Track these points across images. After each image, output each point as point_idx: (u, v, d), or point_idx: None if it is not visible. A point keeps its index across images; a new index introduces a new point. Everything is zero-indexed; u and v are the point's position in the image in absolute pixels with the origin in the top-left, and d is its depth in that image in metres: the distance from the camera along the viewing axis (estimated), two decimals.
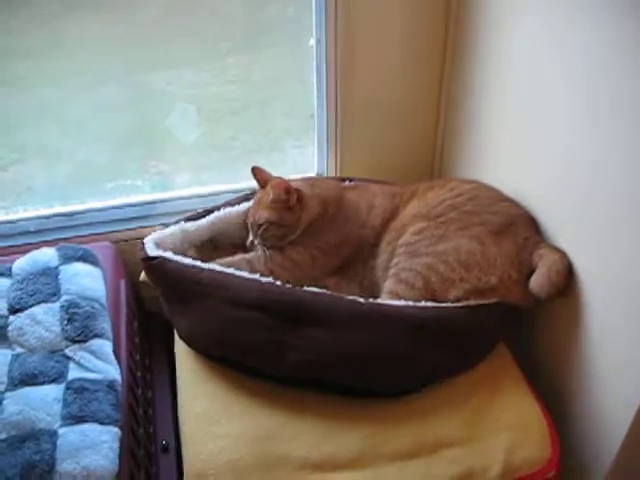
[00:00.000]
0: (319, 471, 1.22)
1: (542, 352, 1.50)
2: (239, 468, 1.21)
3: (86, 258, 1.57)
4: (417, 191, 1.54)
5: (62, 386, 1.29)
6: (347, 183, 1.67)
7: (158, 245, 1.44)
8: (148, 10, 1.99)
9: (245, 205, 1.61)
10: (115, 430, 1.23)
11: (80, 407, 1.24)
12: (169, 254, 1.40)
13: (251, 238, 1.51)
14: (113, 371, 1.35)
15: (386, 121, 1.83)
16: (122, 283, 1.65)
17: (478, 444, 1.26)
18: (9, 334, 1.39)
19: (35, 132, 1.92)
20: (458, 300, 1.34)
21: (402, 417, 1.29)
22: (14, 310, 1.43)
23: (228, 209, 1.62)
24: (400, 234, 1.45)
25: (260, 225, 1.47)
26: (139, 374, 1.57)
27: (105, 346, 1.39)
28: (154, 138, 2.06)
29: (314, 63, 1.75)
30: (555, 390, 1.43)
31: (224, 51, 2.11)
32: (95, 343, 1.38)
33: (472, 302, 1.33)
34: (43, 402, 1.25)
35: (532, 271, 1.34)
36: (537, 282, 1.32)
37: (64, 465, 1.15)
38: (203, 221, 1.57)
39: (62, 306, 1.43)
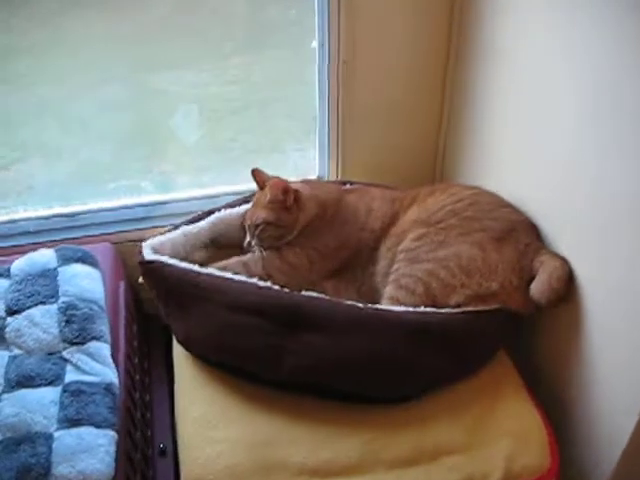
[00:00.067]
0: (317, 477, 1.21)
1: (542, 359, 1.49)
2: (237, 473, 1.20)
3: (85, 259, 1.56)
4: (417, 197, 1.53)
5: (59, 389, 1.28)
6: (347, 186, 1.66)
7: (156, 250, 1.44)
8: (153, 9, 2.00)
9: (245, 207, 1.60)
10: (112, 434, 1.22)
11: (77, 410, 1.24)
12: (166, 258, 1.40)
13: (248, 239, 1.50)
14: (110, 374, 1.34)
15: (388, 123, 1.83)
16: (121, 285, 1.65)
17: (478, 451, 1.25)
18: (7, 335, 1.38)
19: (36, 130, 1.93)
20: (459, 306, 1.33)
21: (401, 423, 1.28)
22: (12, 311, 1.42)
23: (229, 210, 1.61)
24: (400, 240, 1.44)
25: (257, 225, 1.47)
26: (137, 377, 1.56)
27: (103, 349, 1.38)
28: (156, 138, 2.06)
29: (316, 65, 1.74)
30: (555, 397, 1.42)
31: (227, 51, 2.11)
32: (93, 345, 1.37)
33: (472, 308, 1.32)
34: (40, 405, 1.24)
35: (533, 277, 1.33)
36: (537, 288, 1.31)
37: (60, 469, 1.14)
38: (203, 223, 1.57)
39: (60, 308, 1.42)
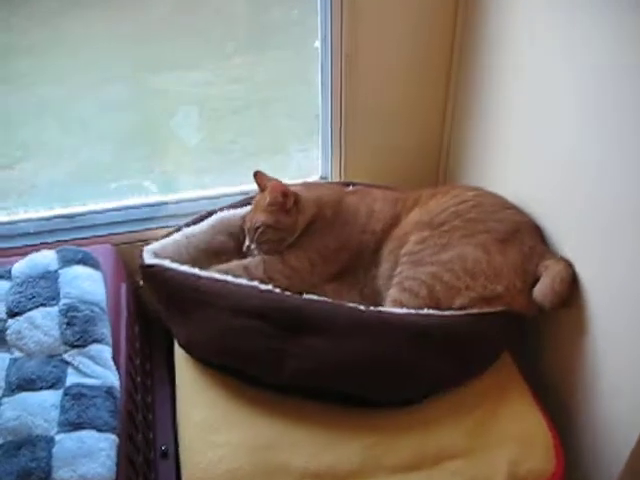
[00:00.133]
0: None
1: (547, 363, 1.48)
2: (238, 477, 1.20)
3: (86, 261, 1.55)
4: (420, 198, 1.52)
5: (60, 392, 1.27)
6: (349, 188, 1.65)
7: (157, 253, 1.43)
8: (154, 9, 1.99)
9: (247, 208, 1.59)
10: (113, 437, 1.22)
11: (78, 413, 1.23)
12: (166, 262, 1.39)
13: (247, 243, 1.50)
14: (112, 377, 1.33)
15: (391, 122, 1.81)
16: (123, 286, 1.64)
17: (481, 456, 1.24)
18: (7, 338, 1.38)
19: (37, 130, 1.92)
20: (463, 308, 1.33)
21: (404, 427, 1.27)
22: (13, 314, 1.41)
23: (231, 211, 1.61)
24: (402, 243, 1.43)
25: (257, 228, 1.46)
26: (139, 379, 1.55)
27: (104, 351, 1.37)
28: (157, 138, 2.06)
29: (319, 65, 1.73)
30: (560, 401, 1.41)
31: (229, 51, 2.10)
32: (94, 348, 1.36)
33: (475, 310, 1.32)
34: (40, 408, 1.23)
35: (536, 280, 1.32)
36: (540, 291, 1.30)
37: (60, 473, 1.13)
38: (205, 223, 1.56)
39: (61, 310, 1.41)
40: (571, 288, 1.30)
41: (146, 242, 1.55)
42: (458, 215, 1.41)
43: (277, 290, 1.34)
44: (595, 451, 1.33)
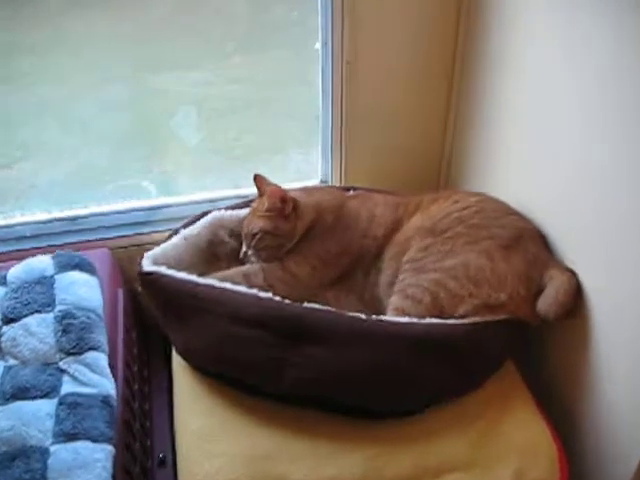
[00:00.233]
0: None
1: (551, 372, 1.46)
2: None
3: (83, 266, 1.53)
4: (421, 203, 1.50)
5: (55, 401, 1.25)
6: (350, 192, 1.63)
7: (157, 260, 1.41)
8: (154, 8, 1.98)
9: (245, 211, 1.58)
10: (109, 448, 1.19)
11: (73, 424, 1.21)
12: (164, 269, 1.37)
13: (244, 249, 1.48)
14: (108, 385, 1.31)
15: (392, 126, 1.79)
16: (120, 292, 1.62)
17: (484, 467, 1.22)
18: (2, 345, 1.36)
19: (36, 130, 1.92)
20: (466, 315, 1.30)
21: (405, 438, 1.25)
22: (8, 320, 1.39)
23: (229, 212, 1.60)
24: (404, 249, 1.41)
25: (255, 234, 1.44)
26: (136, 386, 1.54)
27: (100, 359, 1.35)
28: (157, 138, 2.05)
29: (319, 67, 1.71)
30: (564, 410, 1.39)
31: (229, 51, 2.09)
32: (90, 356, 1.34)
33: (477, 319, 1.29)
34: (35, 418, 1.21)
35: (541, 290, 1.31)
36: (545, 303, 1.29)
37: None
38: (202, 222, 1.55)
39: (57, 317, 1.39)
40: (575, 299, 1.28)
41: (144, 246, 1.53)
42: (461, 221, 1.39)
43: (277, 298, 1.31)
44: (599, 461, 1.31)
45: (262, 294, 1.31)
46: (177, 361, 1.44)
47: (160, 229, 1.75)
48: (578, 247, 1.31)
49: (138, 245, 1.72)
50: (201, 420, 1.29)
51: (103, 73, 1.90)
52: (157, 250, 1.45)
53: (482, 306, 1.31)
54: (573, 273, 1.30)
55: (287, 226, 1.44)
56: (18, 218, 1.77)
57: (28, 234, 1.75)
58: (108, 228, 1.80)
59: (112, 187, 1.94)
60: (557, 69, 1.33)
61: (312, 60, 1.73)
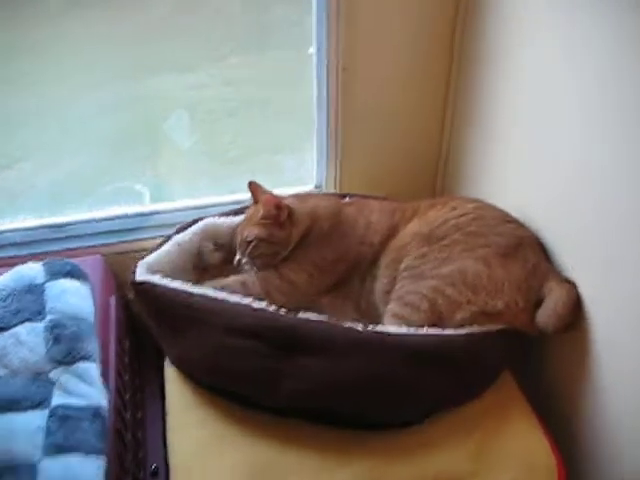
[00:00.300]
0: None
1: (550, 382, 1.44)
2: None
3: (74, 274, 1.50)
4: (419, 209, 1.49)
5: (45, 412, 1.22)
6: (346, 199, 1.61)
7: (152, 267, 1.39)
8: (154, 9, 1.96)
9: (238, 218, 1.56)
10: (100, 461, 1.17)
11: (64, 436, 1.18)
12: (157, 278, 1.35)
13: (238, 256, 1.46)
14: (99, 397, 1.28)
15: (388, 131, 1.78)
16: (112, 300, 1.59)
17: (483, 479, 1.21)
18: None
19: (33, 132, 1.90)
20: (464, 321, 1.29)
21: (403, 450, 1.23)
22: None
23: (222, 219, 1.58)
24: (400, 255, 1.40)
25: (249, 242, 1.43)
26: (128, 396, 1.51)
27: (92, 369, 1.32)
28: (153, 140, 2.02)
29: (314, 71, 1.69)
30: (563, 422, 1.38)
31: (225, 52, 2.07)
32: (81, 366, 1.32)
33: (475, 329, 1.28)
34: (25, 432, 1.18)
35: (540, 300, 1.29)
36: (543, 315, 1.28)
37: None
38: (194, 228, 1.54)
39: (47, 326, 1.36)
40: (575, 312, 1.27)
41: (136, 252, 1.51)
42: (458, 228, 1.37)
43: (271, 308, 1.30)
44: (598, 473, 1.29)
45: (256, 304, 1.30)
46: (170, 371, 1.42)
47: (153, 235, 1.72)
48: (577, 249, 1.30)
49: (130, 252, 1.69)
50: (194, 432, 1.28)
51: (100, 74, 1.88)
52: (151, 258, 1.43)
53: (479, 313, 1.29)
54: (573, 285, 1.29)
55: (282, 234, 1.43)
56: (7, 225, 1.74)
57: (18, 241, 1.72)
58: (100, 234, 1.77)
59: (105, 190, 1.91)
60: (557, 69, 1.32)
61: (309, 62, 1.71)
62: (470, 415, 1.29)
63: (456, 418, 1.28)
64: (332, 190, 1.84)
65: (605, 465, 1.28)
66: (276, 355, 1.24)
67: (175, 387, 1.38)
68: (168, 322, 1.35)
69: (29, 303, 1.41)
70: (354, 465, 1.20)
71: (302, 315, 1.30)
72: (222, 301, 1.30)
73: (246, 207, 1.56)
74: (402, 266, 1.37)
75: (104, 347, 1.42)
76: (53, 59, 1.94)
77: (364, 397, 1.24)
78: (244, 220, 1.50)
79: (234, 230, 1.52)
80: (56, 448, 1.16)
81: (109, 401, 1.30)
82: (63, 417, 1.21)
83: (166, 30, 1.98)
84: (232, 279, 1.41)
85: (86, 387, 1.29)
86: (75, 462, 1.15)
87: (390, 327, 1.30)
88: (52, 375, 1.29)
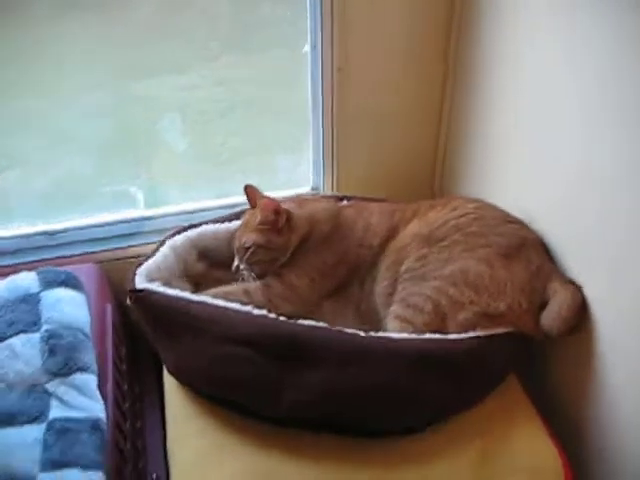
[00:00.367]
0: None
1: (556, 386, 1.43)
2: None
3: (69, 283, 1.48)
4: (419, 210, 1.47)
5: (43, 426, 1.20)
6: (344, 202, 1.59)
7: (151, 275, 1.37)
8: (139, 10, 1.93)
9: (232, 225, 1.54)
10: (99, 476, 1.15)
11: (62, 450, 1.16)
12: (156, 285, 1.33)
13: (236, 263, 1.43)
14: (97, 408, 1.26)
15: (385, 132, 1.76)
16: (108, 308, 1.57)
17: None
18: None
19: (19, 140, 1.85)
20: (467, 322, 1.27)
21: (406, 458, 1.21)
22: None
23: (217, 225, 1.56)
24: (400, 257, 1.38)
25: (247, 248, 1.40)
26: (127, 405, 1.49)
27: (89, 381, 1.30)
28: (144, 144, 1.99)
29: (308, 71, 1.67)
30: (570, 425, 1.36)
31: (216, 53, 2.04)
32: (78, 378, 1.29)
33: (479, 333, 1.26)
34: (22, 447, 1.16)
35: (544, 303, 1.27)
36: (547, 318, 1.26)
37: None
38: (189, 232, 1.52)
39: (43, 337, 1.34)
40: (579, 315, 1.25)
41: (132, 258, 1.48)
42: (459, 229, 1.36)
43: (271, 315, 1.27)
44: (606, 475, 1.28)
45: (256, 311, 1.27)
46: (169, 380, 1.40)
47: (147, 241, 1.70)
48: (581, 251, 1.28)
49: (125, 258, 1.67)
50: (195, 442, 1.26)
51: (90, 78, 1.85)
52: (150, 264, 1.40)
53: (482, 315, 1.28)
54: (577, 287, 1.27)
55: (280, 239, 1.40)
56: (0, 232, 1.71)
57: (11, 249, 1.69)
58: (94, 241, 1.75)
59: (98, 194, 1.89)
60: (557, 70, 1.30)
61: (303, 61, 1.69)
62: (475, 420, 1.27)
63: (460, 424, 1.26)
64: (330, 192, 1.81)
65: (612, 467, 1.26)
66: (276, 365, 1.21)
67: (175, 397, 1.36)
68: (166, 330, 1.33)
69: (24, 314, 1.39)
70: (357, 474, 1.19)
71: (304, 322, 1.27)
72: (221, 308, 1.28)
73: (242, 212, 1.54)
74: (403, 268, 1.36)
75: (101, 357, 1.40)
76: (40, 65, 1.91)
77: (367, 406, 1.22)
78: (241, 225, 1.48)
79: (232, 235, 1.49)
80: (53, 463, 1.14)
81: (107, 413, 1.27)
82: (61, 430, 1.19)
83: (156, 32, 1.96)
84: (235, 287, 1.39)
85: (84, 399, 1.27)
86: (73, 476, 1.12)
87: (393, 332, 1.28)
88: (49, 387, 1.27)
